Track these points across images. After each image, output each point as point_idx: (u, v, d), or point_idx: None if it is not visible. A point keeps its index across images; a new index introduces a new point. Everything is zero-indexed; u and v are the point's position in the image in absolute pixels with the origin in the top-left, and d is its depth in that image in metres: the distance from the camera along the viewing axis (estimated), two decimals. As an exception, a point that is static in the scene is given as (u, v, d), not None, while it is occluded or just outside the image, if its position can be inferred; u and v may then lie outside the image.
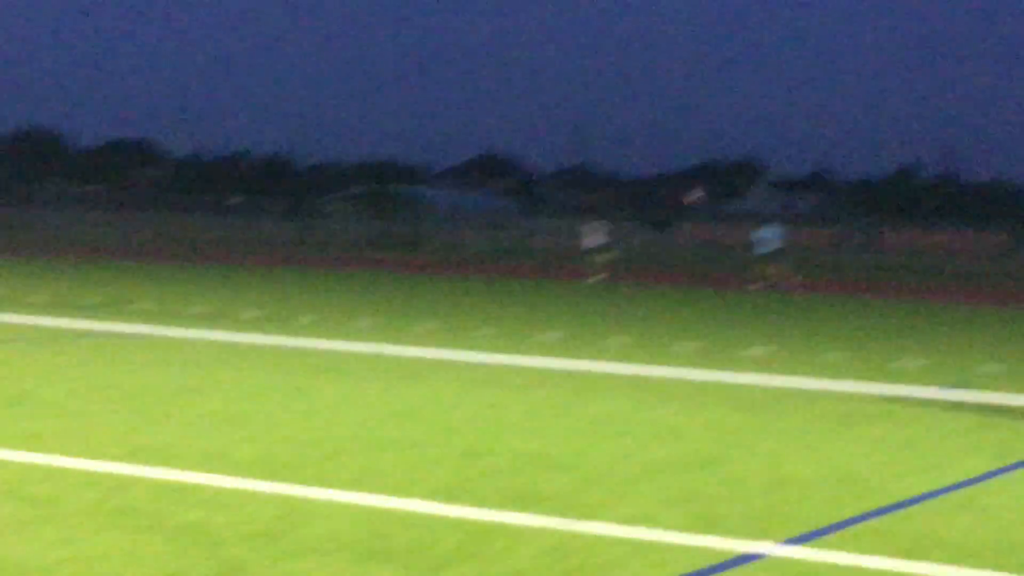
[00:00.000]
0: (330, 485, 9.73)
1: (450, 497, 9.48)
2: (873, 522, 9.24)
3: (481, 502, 9.36)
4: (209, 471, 10.06)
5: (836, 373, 17.97)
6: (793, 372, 17.88)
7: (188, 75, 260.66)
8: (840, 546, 8.48)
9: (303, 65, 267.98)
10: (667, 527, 8.83)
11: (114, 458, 10.43)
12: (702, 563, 7.99)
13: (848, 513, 9.48)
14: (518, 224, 69.24)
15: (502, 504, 9.32)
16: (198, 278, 35.92)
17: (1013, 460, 11.91)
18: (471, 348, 19.46)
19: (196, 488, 9.51)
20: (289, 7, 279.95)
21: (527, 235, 70.03)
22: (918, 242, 72.11)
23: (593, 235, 42.30)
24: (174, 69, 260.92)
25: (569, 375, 16.98)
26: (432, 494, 9.56)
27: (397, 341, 20.08)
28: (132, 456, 10.53)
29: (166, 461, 10.39)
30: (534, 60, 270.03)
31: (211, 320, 22.59)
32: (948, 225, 77.11)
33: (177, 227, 74.37)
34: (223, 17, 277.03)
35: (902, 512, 9.62)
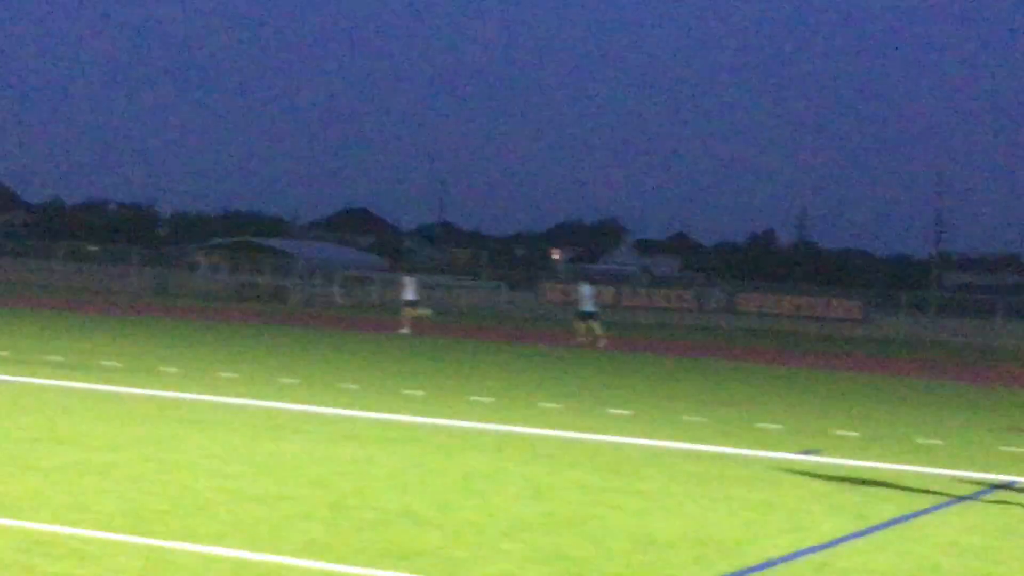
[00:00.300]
0: (197, 539, 9.69)
1: (320, 552, 9.50)
2: (735, 582, 9.43)
3: (351, 557, 9.39)
4: (73, 524, 9.96)
5: (696, 435, 18.24)
6: (655, 434, 18.12)
7: (45, 121, 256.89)
8: (703, 606, 8.65)
9: (164, 113, 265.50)
10: (534, 585, 8.93)
11: (-25, 508, 10.29)
12: (569, 621, 8.11)
13: (710, 573, 9.67)
14: (383, 278, 69.08)
15: (371, 560, 9.36)
16: (55, 325, 35.41)
17: (868, 524, 12.19)
18: (336, 403, 19.44)
19: (61, 539, 9.42)
20: (150, 55, 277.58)
21: (393, 289, 69.96)
22: (773, 306, 73.27)
23: (409, 288, 43.27)
24: (31, 114, 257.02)
25: (435, 430, 17.05)
26: (301, 548, 9.57)
27: (262, 394, 20.01)
28: (-6, 506, 10.40)
29: (29, 512, 10.27)
30: (398, 115, 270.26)
31: (70, 369, 22.31)
32: (803, 290, 78.42)
33: (34, 274, 73.13)
34: (81, 62, 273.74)
35: (762, 572, 9.82)
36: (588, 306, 40.89)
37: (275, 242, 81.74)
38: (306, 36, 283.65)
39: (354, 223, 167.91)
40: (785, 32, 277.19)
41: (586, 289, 41.36)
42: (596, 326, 40.67)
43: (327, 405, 19.10)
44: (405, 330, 42.11)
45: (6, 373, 20.92)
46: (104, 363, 23.74)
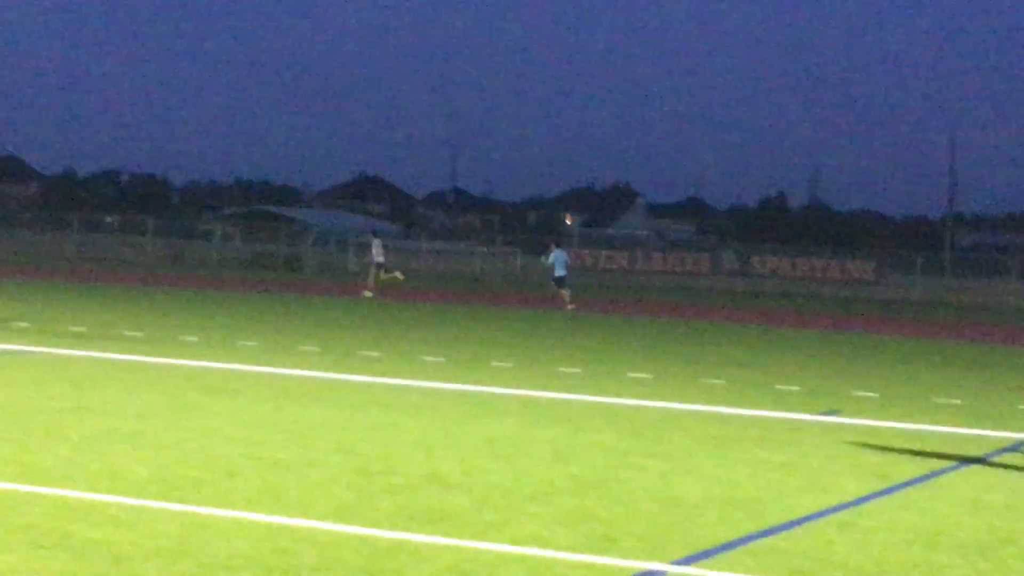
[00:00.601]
0: (229, 504, 9.84)
1: (350, 516, 9.64)
2: (761, 542, 9.56)
3: (381, 521, 9.53)
4: (107, 490, 10.11)
5: (716, 398, 18.37)
6: (674, 397, 18.24)
7: (56, 91, 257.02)
8: (731, 566, 8.79)
9: (176, 82, 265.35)
10: (562, 548, 9.06)
11: (9, 477, 10.44)
12: (599, 581, 8.25)
13: (736, 533, 9.80)
14: (397, 245, 69.27)
15: (401, 523, 9.50)
16: (75, 296, 35.61)
17: (890, 484, 12.31)
18: (357, 370, 19.59)
19: (96, 506, 9.57)
20: (161, 24, 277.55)
21: (408, 257, 70.13)
22: (787, 269, 73.35)
23: (376, 250, 43.59)
24: (42, 85, 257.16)
25: (457, 396, 17.19)
26: (332, 513, 9.71)
27: (283, 362, 20.16)
28: (27, 475, 10.55)
29: (63, 480, 10.42)
30: (410, 82, 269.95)
31: (93, 339, 22.48)
32: (817, 252, 78.44)
33: (51, 245, 73.43)
34: (94, 33, 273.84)
35: (787, 533, 9.95)
36: (560, 271, 41.63)
37: (289, 211, 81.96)
38: (317, 2, 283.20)
39: (367, 190, 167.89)
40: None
41: (556, 255, 42.00)
42: (557, 291, 41.43)
43: (349, 372, 19.25)
44: (368, 293, 42.55)
45: (31, 344, 21.10)
46: (126, 333, 23.91)
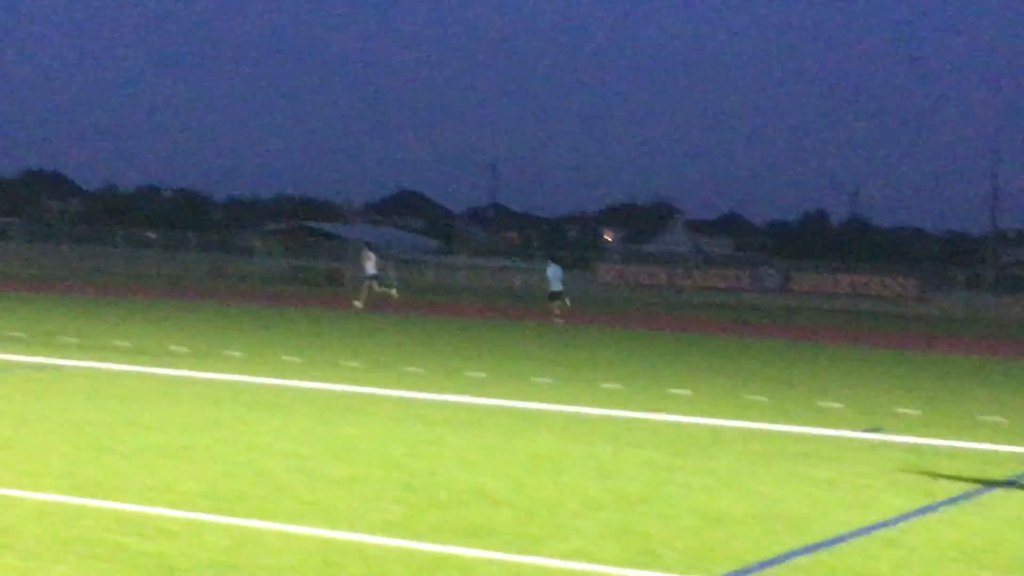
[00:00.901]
0: (277, 518, 9.95)
1: (397, 530, 9.74)
2: (804, 558, 9.61)
3: (427, 535, 9.63)
4: (158, 503, 10.24)
5: (758, 415, 18.40)
6: (716, 413, 18.28)
7: (99, 108, 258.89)
8: (775, 580, 8.85)
9: (216, 99, 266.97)
10: (608, 562, 9.14)
11: (62, 490, 10.58)
12: (645, 595, 8.32)
13: (780, 549, 9.85)
14: (438, 261, 69.56)
15: (448, 538, 9.59)
16: (120, 311, 35.88)
17: (934, 500, 12.33)
18: (401, 385, 19.70)
19: (147, 519, 9.70)
20: (203, 42, 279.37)
21: (447, 272, 70.43)
22: (828, 285, 73.20)
23: (370, 263, 43.95)
24: (86, 101, 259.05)
25: (500, 411, 17.28)
26: (379, 527, 9.81)
27: (327, 377, 20.29)
28: (80, 488, 10.69)
29: (114, 493, 10.56)
30: (449, 98, 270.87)
31: (139, 354, 22.67)
32: (858, 269, 78.22)
33: (94, 260, 73.95)
34: (138, 49, 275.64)
35: (831, 549, 10.00)
36: (555, 286, 41.98)
37: (329, 226, 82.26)
38: (356, 19, 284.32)
39: (406, 206, 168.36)
40: (837, 9, 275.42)
41: (551, 270, 42.41)
42: (560, 304, 41.63)
43: (392, 387, 19.37)
44: (358, 303, 42.89)
45: (78, 359, 21.31)
46: (171, 348, 24.11)
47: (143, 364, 20.96)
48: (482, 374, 22.14)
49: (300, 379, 19.86)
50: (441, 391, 19.17)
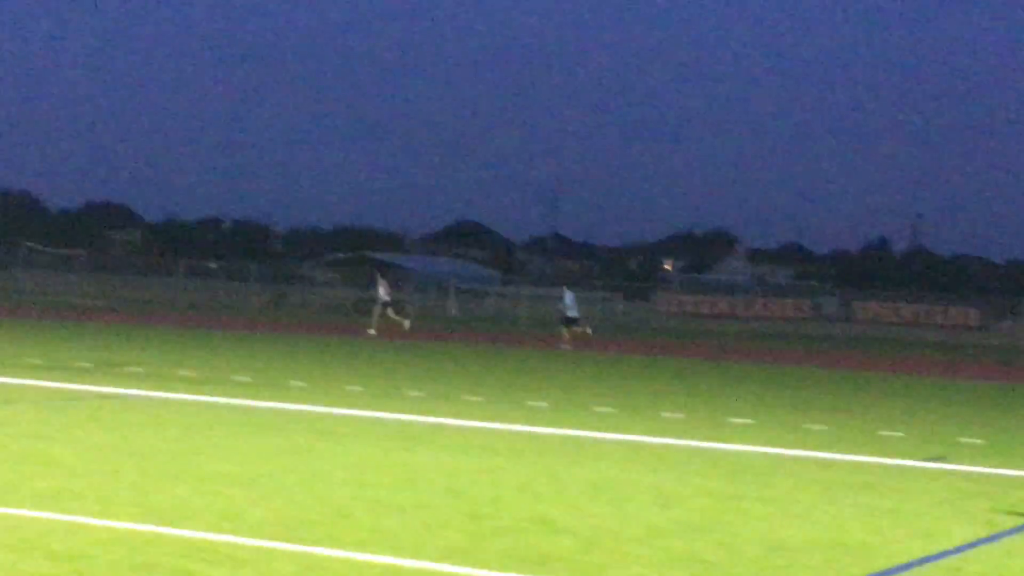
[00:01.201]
0: (342, 545, 10.07)
1: (460, 557, 9.84)
2: (867, 586, 9.63)
3: (491, 563, 9.72)
4: (225, 531, 10.39)
5: (820, 443, 18.38)
6: (778, 442, 18.29)
7: (159, 139, 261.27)
8: (838, 608, 8.87)
9: (276, 129, 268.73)
10: (670, 588, 9.20)
11: (130, 518, 10.75)
12: (708, 622, 8.37)
13: (843, 577, 9.88)
14: (499, 291, 69.73)
15: (511, 565, 9.68)
16: (183, 341, 36.23)
17: (997, 530, 12.31)
18: (462, 415, 19.82)
19: (215, 546, 9.85)
20: (262, 73, 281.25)
21: (507, 302, 70.56)
22: (890, 314, 72.87)
23: (382, 289, 44.72)
24: (145, 133, 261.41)
25: (562, 440, 17.36)
26: (443, 554, 9.91)
27: (389, 406, 20.44)
28: (149, 515, 10.86)
29: (183, 521, 10.72)
30: (507, 127, 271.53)
31: (202, 384, 22.91)
32: (920, 298, 77.78)
33: (156, 290, 74.64)
34: (199, 83, 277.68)
35: (894, 577, 10.02)
36: (571, 312, 43.11)
37: (390, 256, 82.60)
38: (417, 49, 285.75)
39: (466, 236, 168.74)
40: (897, 35, 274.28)
41: (568, 296, 43.44)
42: (576, 331, 42.97)
43: (454, 417, 19.49)
44: (372, 331, 43.51)
45: (144, 388, 21.56)
46: (235, 378, 24.35)
47: (207, 394, 21.19)
48: (543, 403, 22.23)
49: (363, 408, 20.01)
50: (503, 420, 19.27)
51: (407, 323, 45.31)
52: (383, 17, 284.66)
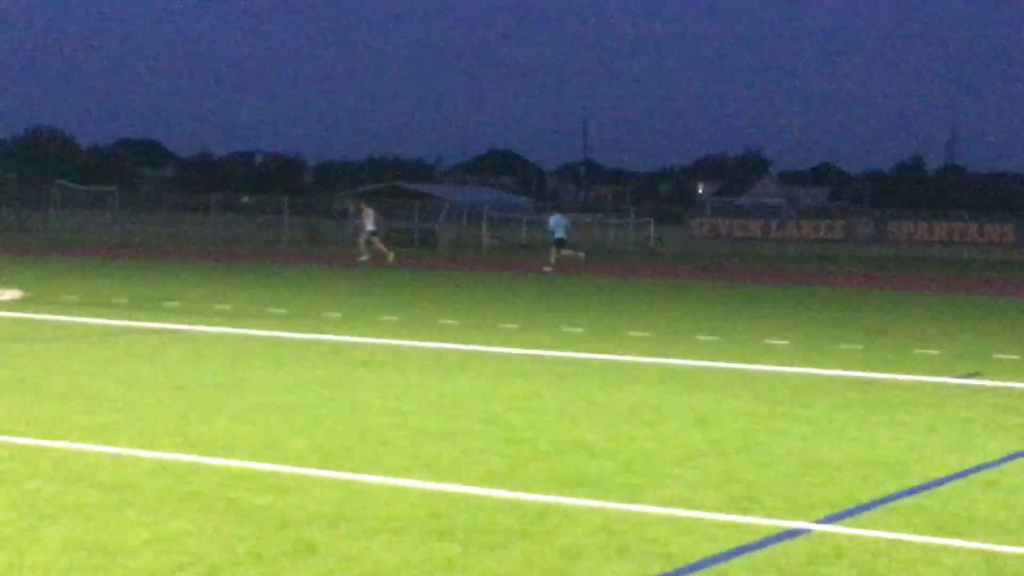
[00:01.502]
0: (384, 471, 10.20)
1: (501, 481, 9.97)
2: (904, 501, 9.72)
3: (531, 486, 9.85)
4: (267, 459, 10.54)
5: (855, 363, 18.44)
6: (814, 363, 18.35)
7: (191, 75, 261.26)
8: (875, 524, 8.96)
9: (306, 63, 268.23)
10: (708, 508, 9.31)
11: (175, 448, 10.91)
12: (745, 540, 8.48)
13: (879, 493, 9.96)
14: (530, 220, 69.63)
15: (551, 487, 9.80)
16: (219, 276, 36.43)
17: (1033, 443, 12.37)
18: (498, 342, 19.94)
19: (258, 475, 9.99)
20: (292, 7, 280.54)
21: (540, 230, 70.53)
22: (924, 234, 72.61)
23: (369, 219, 45.64)
24: (178, 69, 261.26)
25: (597, 365, 17.46)
26: (483, 479, 10.04)
27: (425, 336, 20.57)
28: (192, 446, 11.02)
29: (225, 451, 10.87)
30: (537, 56, 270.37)
31: (239, 317, 23.09)
32: (954, 216, 77.39)
33: (190, 226, 74.93)
34: (227, 17, 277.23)
35: (931, 492, 10.09)
36: (559, 233, 44.55)
37: (421, 186, 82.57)
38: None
39: (498, 164, 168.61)
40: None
41: (553, 219, 45.24)
42: (566, 254, 44.51)
43: (490, 344, 19.61)
44: (364, 258, 44.52)
45: (182, 323, 21.74)
46: (271, 311, 24.51)
47: (245, 327, 21.36)
48: (579, 329, 22.33)
49: (398, 338, 20.15)
50: (538, 347, 19.37)
51: (391, 255, 45.93)
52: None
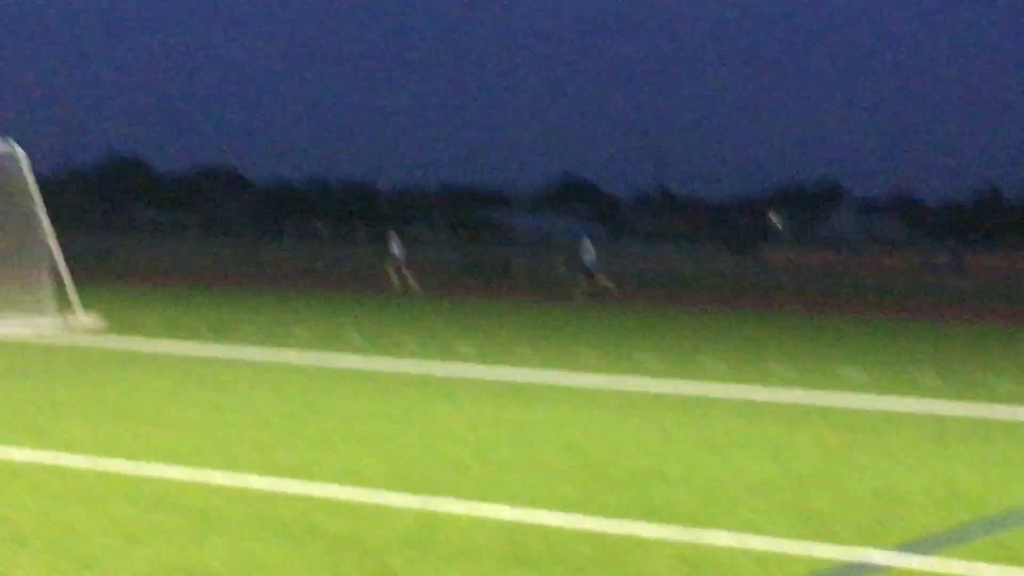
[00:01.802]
0: (462, 499, 10.33)
1: (578, 509, 10.07)
2: (981, 534, 9.73)
3: (608, 515, 9.95)
4: (347, 485, 10.70)
5: (932, 395, 18.38)
6: (890, 393, 18.32)
7: (268, 102, 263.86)
8: (952, 555, 8.99)
9: (381, 90, 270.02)
10: (784, 537, 9.36)
11: (257, 472, 11.10)
12: (820, 570, 8.53)
13: (956, 524, 9.97)
14: (605, 249, 69.74)
15: (627, 516, 9.89)
16: (296, 304, 36.75)
17: (1112, 477, 12.31)
18: (576, 370, 20.04)
19: (338, 501, 10.16)
20: (367, 39, 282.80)
21: (615, 260, 70.60)
22: (1003, 265, 72.03)
23: (394, 244, 46.86)
24: (256, 97, 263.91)
25: (673, 395, 17.52)
26: (560, 506, 10.15)
27: (502, 364, 20.70)
28: (272, 471, 11.21)
29: (305, 476, 11.05)
30: (614, 86, 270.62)
31: (317, 344, 23.33)
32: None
33: (268, 253, 75.57)
34: (302, 48, 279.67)
35: (1008, 526, 10.09)
36: (587, 260, 43.29)
37: (497, 215, 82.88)
38: (522, 11, 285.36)
39: (573, 194, 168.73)
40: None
41: (586, 246, 43.63)
42: (596, 282, 42.96)
43: (566, 371, 19.71)
44: (395, 283, 45.47)
45: (260, 350, 22.00)
46: (347, 339, 24.73)
47: (321, 355, 21.59)
48: (656, 360, 22.38)
49: (475, 367, 20.29)
50: (615, 375, 19.45)
51: (414, 285, 46.00)
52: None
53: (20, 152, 26.46)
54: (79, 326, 25.30)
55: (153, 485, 10.58)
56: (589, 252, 43.27)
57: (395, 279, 46.23)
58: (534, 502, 10.30)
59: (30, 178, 26.21)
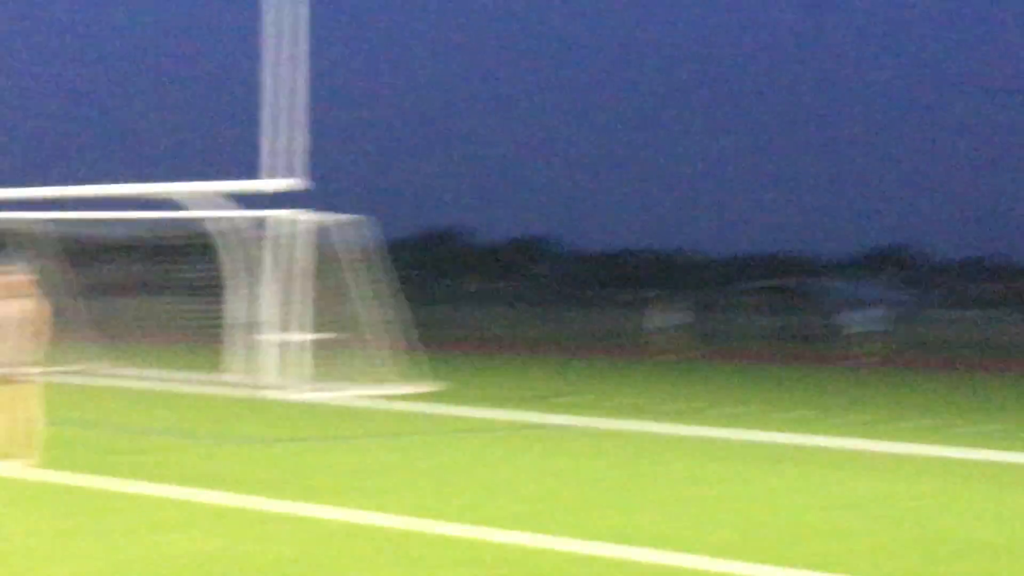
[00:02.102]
0: (794, 566, 10.28)
1: (914, 580, 9.96)
2: None
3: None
4: (681, 550, 10.74)
5: None
6: None
7: (582, 175, 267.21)
8: None
9: (690, 158, 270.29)
10: None
11: (599, 539, 11.18)
12: None
13: None
14: (918, 315, 68.19)
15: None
16: (613, 371, 37.06)
17: None
18: (906, 439, 19.69)
19: (686, 569, 10.17)
20: (670, 100, 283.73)
21: (934, 327, 68.97)
22: None
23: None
24: (571, 168, 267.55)
25: (1012, 465, 17.11)
26: (895, 576, 10.04)
27: (828, 431, 20.50)
28: (618, 537, 11.28)
29: (653, 542, 11.11)
30: (937, 146, 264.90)
31: (636, 412, 23.54)
32: None
33: (579, 322, 76.36)
34: (621, 114, 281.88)
35: None
36: (857, 328, 44.42)
37: (813, 283, 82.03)
38: (787, 66, 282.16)
39: (888, 259, 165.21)
40: None
41: (857, 314, 45.50)
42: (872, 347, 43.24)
43: (898, 441, 19.40)
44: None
45: (579, 417, 22.31)
46: (663, 407, 24.71)
47: (639, 421, 21.77)
48: (995, 426, 21.86)
49: (799, 435, 20.16)
50: (948, 444, 19.07)
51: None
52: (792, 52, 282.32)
53: (369, 225, 27.49)
54: (418, 393, 26.05)
55: (478, 549, 10.77)
56: (858, 318, 44.03)
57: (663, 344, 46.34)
58: (871, 570, 10.21)
59: (376, 249, 27.24)
